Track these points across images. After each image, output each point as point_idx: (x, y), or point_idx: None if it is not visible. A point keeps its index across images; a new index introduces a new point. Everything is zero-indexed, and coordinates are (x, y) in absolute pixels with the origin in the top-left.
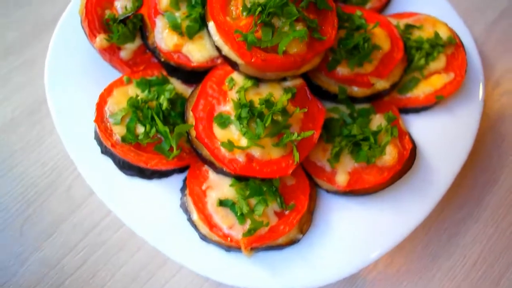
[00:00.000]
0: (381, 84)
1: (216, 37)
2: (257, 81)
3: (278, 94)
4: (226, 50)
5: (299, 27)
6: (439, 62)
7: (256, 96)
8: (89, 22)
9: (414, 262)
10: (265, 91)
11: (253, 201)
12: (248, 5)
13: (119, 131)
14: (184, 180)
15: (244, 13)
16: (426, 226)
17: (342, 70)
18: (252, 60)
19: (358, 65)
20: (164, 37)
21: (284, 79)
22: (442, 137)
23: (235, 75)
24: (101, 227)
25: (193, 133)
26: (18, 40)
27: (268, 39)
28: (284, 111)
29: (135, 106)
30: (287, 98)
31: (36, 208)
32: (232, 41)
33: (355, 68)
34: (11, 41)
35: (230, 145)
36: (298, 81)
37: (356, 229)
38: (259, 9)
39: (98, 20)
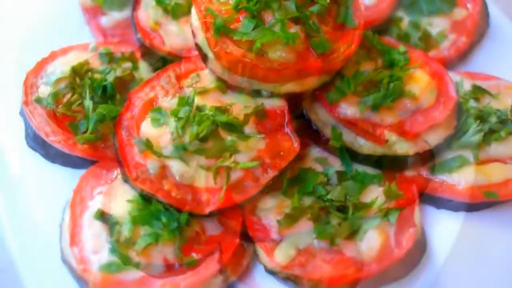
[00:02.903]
0: (402, 147)
1: (197, 22)
2: (224, 86)
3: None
4: (201, 38)
5: (293, 30)
6: (507, 147)
7: (216, 104)
8: None
9: None
10: (228, 100)
11: (142, 230)
12: None
13: (42, 91)
14: None
15: None
16: None
17: (348, 107)
18: (215, 50)
19: (372, 108)
20: (147, 10)
21: (258, 93)
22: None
23: (203, 73)
24: None
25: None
26: None
27: (246, 32)
28: (234, 129)
29: (76, 72)
30: (246, 112)
31: None
32: (203, 24)
33: (367, 110)
34: None
35: (146, 144)
36: (278, 103)
37: None
38: None
39: None
